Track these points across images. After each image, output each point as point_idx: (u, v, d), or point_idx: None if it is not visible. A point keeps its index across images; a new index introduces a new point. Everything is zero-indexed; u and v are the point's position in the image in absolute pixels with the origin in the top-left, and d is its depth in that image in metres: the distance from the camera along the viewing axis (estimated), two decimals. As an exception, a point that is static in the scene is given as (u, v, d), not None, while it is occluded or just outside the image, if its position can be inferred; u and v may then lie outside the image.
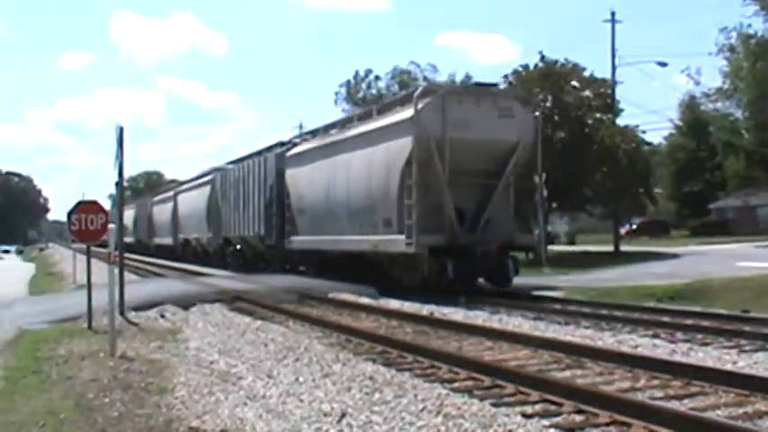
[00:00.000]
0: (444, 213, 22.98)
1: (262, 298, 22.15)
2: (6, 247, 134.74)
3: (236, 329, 16.29)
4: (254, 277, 28.78)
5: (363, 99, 78.78)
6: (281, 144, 35.60)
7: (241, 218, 37.23)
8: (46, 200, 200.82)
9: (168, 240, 55.80)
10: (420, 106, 22.70)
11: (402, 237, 22.80)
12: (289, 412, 8.81)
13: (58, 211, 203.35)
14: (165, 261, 49.57)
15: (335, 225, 27.65)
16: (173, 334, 16.09)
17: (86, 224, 15.51)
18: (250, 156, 39.19)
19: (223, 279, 29.21)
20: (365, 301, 21.23)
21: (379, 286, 24.06)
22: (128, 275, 20.67)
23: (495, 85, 27.41)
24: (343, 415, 8.47)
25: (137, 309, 19.57)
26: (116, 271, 15.30)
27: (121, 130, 17.80)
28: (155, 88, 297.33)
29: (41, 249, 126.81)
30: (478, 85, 26.66)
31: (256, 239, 35.31)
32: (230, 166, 42.45)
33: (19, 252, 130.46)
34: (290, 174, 31.86)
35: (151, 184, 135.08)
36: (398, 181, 23.23)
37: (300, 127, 74.93)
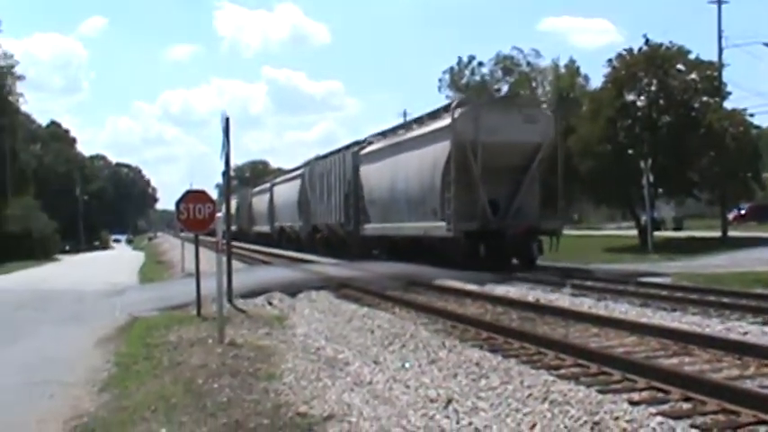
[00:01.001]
0: (478, 204, 27.37)
1: (368, 285, 22.22)
2: (117, 237, 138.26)
3: (342, 316, 16.32)
4: (359, 264, 29.01)
5: (467, 86, 78.34)
6: (357, 143, 39.80)
7: (326, 208, 41.85)
8: (154, 190, 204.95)
9: (266, 228, 61.28)
10: (456, 115, 27.43)
11: (444, 224, 27.64)
12: (395, 398, 8.80)
13: (166, 201, 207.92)
14: (264, 248, 52.83)
15: (398, 214, 32.30)
16: (280, 321, 16.24)
17: (194, 213, 15.66)
18: (333, 153, 43.83)
19: (328, 266, 29.45)
20: (471, 287, 21.12)
21: (430, 263, 27.61)
22: (235, 263, 21.19)
23: (518, 95, 33.50)
24: (450, 401, 8.41)
25: (244, 296, 19.82)
26: (224, 259, 15.58)
27: (227, 120, 17.94)
28: (259, 78, 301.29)
29: (150, 239, 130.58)
30: (506, 96, 33.15)
31: (338, 226, 39.78)
32: (318, 162, 47.09)
33: (129, 241, 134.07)
34: (364, 169, 36.46)
35: (257, 174, 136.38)
36: (440, 177, 27.90)
37: (404, 114, 75.02)
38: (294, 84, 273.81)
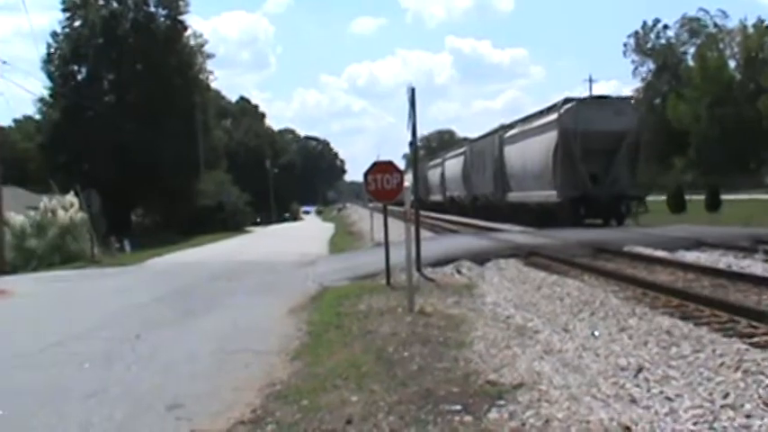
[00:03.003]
0: (579, 176, 35.64)
1: (556, 252, 22.18)
2: (307, 208, 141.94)
3: (531, 284, 16.38)
4: (547, 232, 29.10)
5: (652, 49, 76.06)
6: (503, 127, 49.17)
7: (482, 180, 51.32)
8: (342, 162, 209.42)
9: (439, 197, 70.61)
10: (561, 111, 36.28)
11: (555, 192, 36.34)
12: (585, 366, 8.85)
13: (354, 173, 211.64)
14: (440, 214, 59.30)
15: (528, 185, 40.57)
16: (469, 289, 16.31)
17: (382, 184, 16.07)
18: (487, 135, 53.75)
19: (516, 234, 29.50)
20: (660, 254, 20.84)
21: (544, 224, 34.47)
22: (423, 232, 21.36)
23: (607, 96, 41.35)
24: (640, 369, 8.43)
25: (433, 265, 20.08)
26: (412, 228, 15.81)
27: (413, 91, 18.21)
28: (443, 48, 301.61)
29: (339, 210, 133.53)
30: (599, 96, 41.18)
31: (490, 195, 48.50)
32: (477, 141, 56.56)
33: (318, 212, 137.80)
34: (507, 149, 44.80)
35: (444, 144, 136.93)
36: (552, 158, 36.46)
37: (590, 80, 73.91)
38: (479, 53, 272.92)
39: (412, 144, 19.27)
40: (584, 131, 35.25)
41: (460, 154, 60.69)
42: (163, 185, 62.13)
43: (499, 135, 47.17)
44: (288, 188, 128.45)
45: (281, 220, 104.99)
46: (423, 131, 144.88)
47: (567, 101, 36.80)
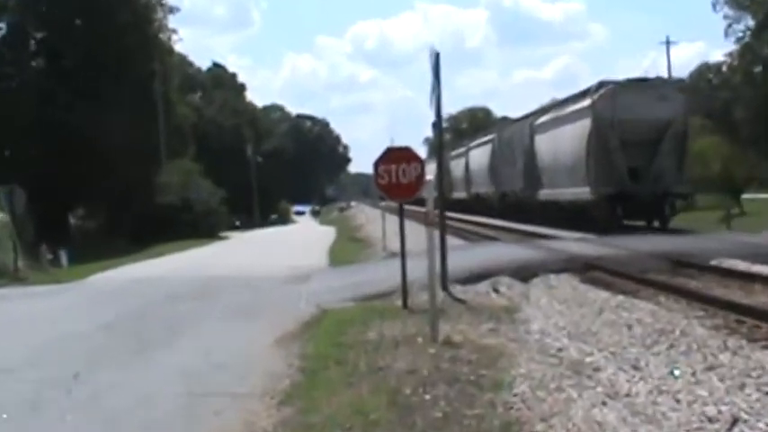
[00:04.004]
0: (616, 170, 37.71)
1: (622, 266, 22.29)
2: (300, 208, 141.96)
3: (590, 307, 16.44)
4: (611, 239, 29.38)
5: (753, 1, 76.11)
6: (535, 113, 52.32)
7: (511, 174, 53.94)
8: (346, 148, 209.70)
9: (463, 194, 72.92)
10: (595, 97, 38.80)
11: (588, 188, 38.25)
12: (661, 415, 8.82)
13: (360, 162, 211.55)
14: (463, 215, 59.13)
15: (559, 181, 43.19)
16: (509, 313, 16.45)
17: (397, 176, 16.32)
18: (518, 120, 57.49)
19: (571, 242, 29.73)
20: (761, 269, 20.81)
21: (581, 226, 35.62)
22: (450, 239, 21.53)
23: (649, 79, 43.39)
24: (735, 421, 8.39)
25: (463, 282, 20.36)
26: (436, 234, 15.80)
27: (437, 56, 18.27)
28: (477, 2, 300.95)
29: (342, 209, 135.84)
30: (640, 78, 42.14)
31: (520, 192, 50.86)
32: (506, 127, 60.72)
33: (315, 213, 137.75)
34: (537, 139, 47.70)
35: (477, 124, 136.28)
36: (585, 149, 39.08)
37: (667, 42, 74.01)
38: (523, 7, 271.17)
39: (436, 125, 19.30)
40: (623, 120, 37.85)
41: (487, 142, 64.12)
42: (111, 178, 60.88)
43: (530, 122, 50.45)
44: (276, 182, 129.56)
45: (268, 223, 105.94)
46: (450, 109, 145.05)
47: (601, 84, 39.42)
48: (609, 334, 13.58)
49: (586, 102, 39.64)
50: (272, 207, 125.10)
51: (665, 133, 38.28)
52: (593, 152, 38.19)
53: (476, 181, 68.78)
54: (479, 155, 67.07)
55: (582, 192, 39.27)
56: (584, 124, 39.22)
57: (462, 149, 76.85)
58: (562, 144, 42.68)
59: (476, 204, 67.05)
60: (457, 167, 77.92)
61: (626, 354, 11.96)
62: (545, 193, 46.49)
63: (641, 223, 39.57)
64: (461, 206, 68.89)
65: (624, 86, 39.48)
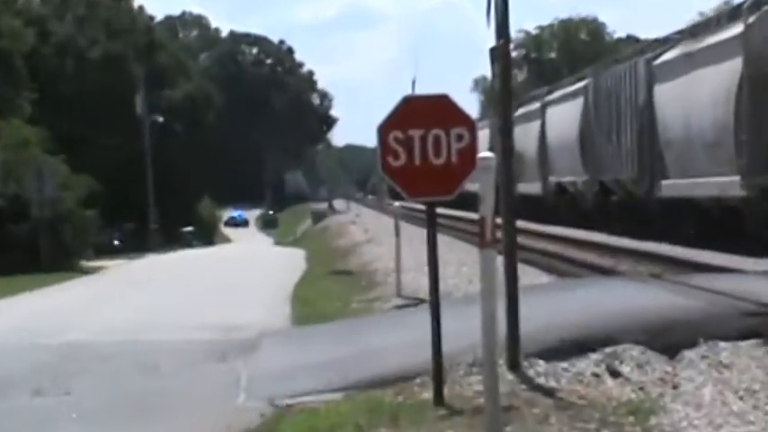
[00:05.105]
0: None
1: None
2: (237, 214, 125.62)
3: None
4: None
5: None
6: (654, 45, 47.27)
7: (615, 151, 47.46)
8: (325, 98, 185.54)
9: (534, 185, 65.18)
10: (750, 20, 31.94)
11: (737, 177, 32.68)
12: None
13: (352, 126, 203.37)
14: (533, 223, 52.17)
15: (692, 164, 37.84)
16: (639, 417, 13.71)
17: (424, 153, 13.37)
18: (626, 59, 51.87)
19: (754, 279, 26.18)
20: None
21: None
22: (525, 272, 20.34)
23: None
24: None
25: (551, 353, 16.93)
26: (496, 262, 12.98)
27: None
28: None
29: (318, 217, 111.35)
30: None
31: (630, 183, 45.29)
32: (607, 72, 51.85)
33: (267, 224, 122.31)
34: (659, 91, 41.92)
35: (575, 52, 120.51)
36: (733, 109, 32.70)
37: None
38: None
39: (495, 52, 14.51)
40: None
41: (576, 95, 57.53)
42: None
43: (645, 60, 45.22)
44: (191, 164, 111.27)
45: (180, 241, 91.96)
46: (526, 23, 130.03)
47: (758, 2, 34.64)
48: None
49: (734, 29, 34.83)
50: (186, 212, 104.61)
51: None
52: (747, 114, 32.72)
53: (557, 162, 60.45)
54: (562, 116, 59.01)
55: (726, 183, 34.52)
56: (731, 67, 34.31)
57: (533, 106, 68.33)
58: (696, 100, 37.94)
59: (557, 203, 57.78)
60: (524, 137, 65.25)
61: None
62: (670, 186, 41.20)
63: None
64: (533, 207, 59.95)
65: None
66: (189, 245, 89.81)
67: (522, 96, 74.11)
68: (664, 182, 41.12)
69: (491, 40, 16.30)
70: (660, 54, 43.24)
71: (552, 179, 58.83)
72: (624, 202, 45.96)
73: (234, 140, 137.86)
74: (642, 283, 27.67)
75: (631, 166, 43.32)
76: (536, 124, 62.77)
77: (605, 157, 48.89)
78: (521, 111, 70.07)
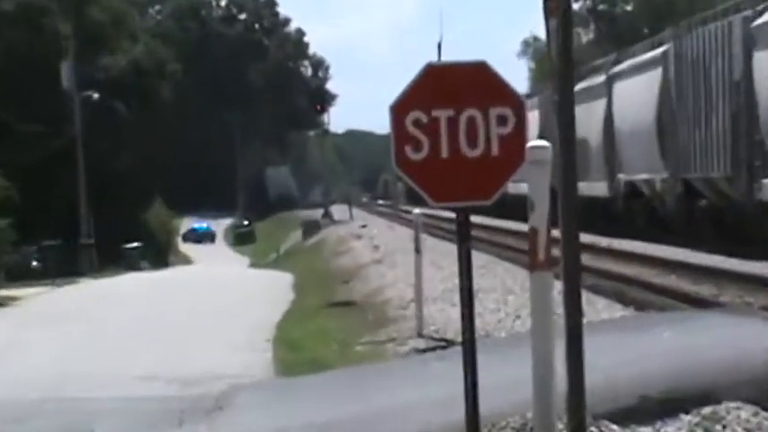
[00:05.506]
0: None
1: None
2: (200, 224, 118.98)
3: None
4: None
5: None
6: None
7: (702, 139, 43.81)
8: (320, 66, 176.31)
9: (600, 187, 60.82)
10: None
11: None
12: None
13: (352, 108, 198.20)
14: (595, 236, 47.16)
15: None
16: None
17: (454, 141, 11.49)
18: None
19: None
20: None
21: None
22: (591, 303, 19.23)
23: None
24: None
25: (626, 415, 14.59)
26: (556, 290, 11.76)
27: None
28: None
29: (310, 229, 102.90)
30: None
31: (724, 183, 41.75)
32: (694, 34, 47.75)
33: (239, 238, 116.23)
34: (760, 60, 38.34)
35: (658, 3, 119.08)
36: None
37: None
38: None
39: (552, 2, 12.60)
40: None
41: (652, 65, 53.93)
42: None
43: (743, 21, 41.48)
44: (137, 154, 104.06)
45: (123, 262, 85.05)
46: None
47: None
48: None
49: None
50: (130, 223, 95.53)
51: None
52: None
53: (627, 155, 54.52)
54: (635, 93, 53.50)
55: None
56: None
57: (597, 80, 61.47)
58: None
59: (629, 209, 52.65)
60: (585, 121, 59.84)
61: None
62: None
63: None
64: (597, 214, 55.07)
65: None
66: (135, 267, 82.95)
67: (583, 67, 67.30)
68: (765, 181, 36.37)
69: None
70: (763, 11, 37.94)
71: (622, 177, 54.13)
72: (715, 207, 41.86)
73: (196, 125, 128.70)
74: (750, 318, 24.62)
75: (724, 159, 39.15)
76: (600, 104, 58.03)
77: (691, 148, 43.44)
78: (581, 85, 65.68)
